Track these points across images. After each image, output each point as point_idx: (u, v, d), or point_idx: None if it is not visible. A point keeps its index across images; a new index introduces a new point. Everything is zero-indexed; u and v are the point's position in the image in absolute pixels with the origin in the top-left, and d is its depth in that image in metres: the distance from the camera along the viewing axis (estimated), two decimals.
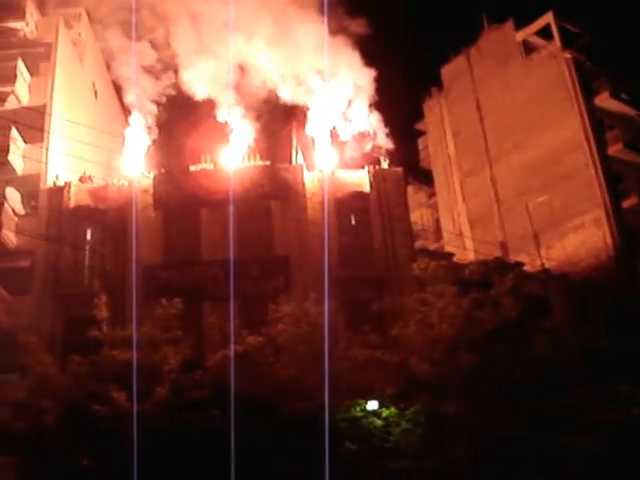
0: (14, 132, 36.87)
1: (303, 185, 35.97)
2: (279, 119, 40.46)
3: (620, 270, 42.71)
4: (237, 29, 38.33)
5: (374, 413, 27.61)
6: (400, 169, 37.39)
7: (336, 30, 38.94)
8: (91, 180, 37.36)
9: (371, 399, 27.70)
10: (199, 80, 39.52)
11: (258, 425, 25.39)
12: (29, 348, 28.10)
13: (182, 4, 40.61)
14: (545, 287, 30.75)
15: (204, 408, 25.99)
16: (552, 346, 27.48)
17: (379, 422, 27.39)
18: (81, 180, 37.25)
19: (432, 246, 51.81)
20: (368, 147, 39.14)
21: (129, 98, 40.90)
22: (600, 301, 33.40)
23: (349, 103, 39.82)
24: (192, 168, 37.26)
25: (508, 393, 26.29)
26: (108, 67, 45.32)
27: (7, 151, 36.34)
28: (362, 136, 39.78)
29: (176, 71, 40.04)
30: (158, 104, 40.19)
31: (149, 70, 39.90)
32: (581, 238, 45.96)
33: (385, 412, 27.58)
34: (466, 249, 46.83)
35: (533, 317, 28.13)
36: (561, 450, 25.80)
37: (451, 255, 38.67)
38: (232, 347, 27.15)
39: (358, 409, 27.59)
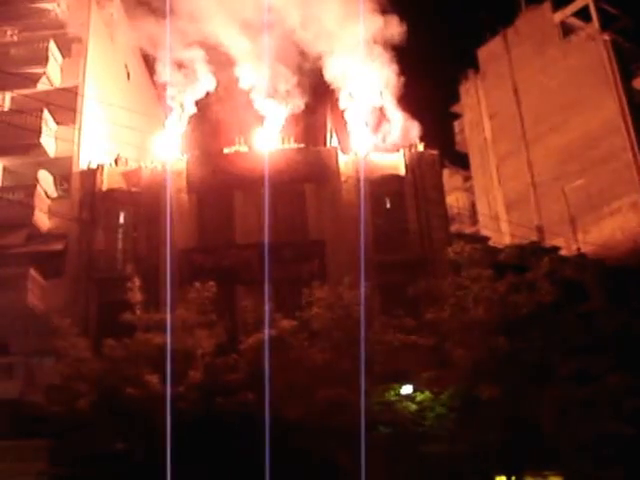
0: (46, 114, 36.79)
1: (338, 168, 35.67)
2: (314, 101, 40.20)
3: None
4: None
5: (408, 397, 27.48)
6: (436, 152, 36.95)
7: (371, 11, 38.59)
8: (126, 162, 37.24)
9: (405, 383, 27.52)
10: (233, 61, 39.40)
11: (292, 409, 25.31)
12: (63, 332, 28.14)
13: None
14: (581, 271, 30.39)
15: (238, 392, 25.96)
16: (588, 331, 27.13)
17: (413, 406, 27.29)
18: (116, 162, 37.16)
19: (468, 230, 51.57)
20: (403, 130, 38.76)
21: (162, 79, 40.75)
22: (637, 286, 32.93)
23: (384, 84, 39.46)
24: (226, 150, 37.08)
25: (543, 377, 26.07)
26: (141, 47, 45.14)
27: (39, 133, 36.27)
28: (396, 119, 39.49)
29: (209, 52, 39.83)
30: (192, 86, 39.97)
31: (184, 50, 39.68)
32: (618, 222, 45.53)
33: (419, 396, 27.47)
34: (502, 233, 46.47)
35: (569, 302, 27.82)
36: (595, 435, 25.50)
37: (487, 239, 38.31)
38: (267, 331, 27.04)
39: (392, 393, 27.48)
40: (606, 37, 49.31)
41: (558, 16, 53.01)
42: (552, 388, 25.90)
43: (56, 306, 32.33)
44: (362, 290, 27.81)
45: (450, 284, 28.90)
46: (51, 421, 26.67)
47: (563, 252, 35.29)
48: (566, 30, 52.58)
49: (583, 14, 51.71)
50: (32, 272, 33.64)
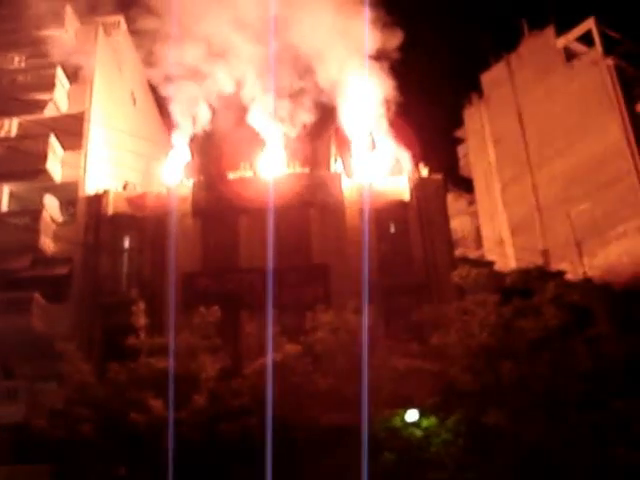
0: (53, 139, 36.98)
1: (342, 193, 35.71)
2: (318, 127, 40.27)
3: None
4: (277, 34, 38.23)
5: (414, 423, 27.26)
6: (440, 177, 37.00)
7: (374, 35, 38.68)
8: (134, 188, 37.38)
9: (411, 409, 27.36)
10: (239, 86, 39.51)
11: (297, 434, 25.23)
12: (67, 356, 28.19)
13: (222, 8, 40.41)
14: (587, 296, 30.30)
15: (242, 417, 25.88)
16: (595, 356, 27.01)
17: (419, 432, 27.00)
18: (124, 188, 37.31)
19: (472, 254, 51.41)
20: (407, 155, 38.78)
21: (168, 104, 40.92)
22: None
23: (388, 109, 39.56)
24: (231, 176, 37.19)
25: (550, 403, 25.92)
26: (147, 73, 45.26)
27: (45, 158, 36.44)
28: (400, 144, 39.52)
29: (216, 78, 39.91)
30: (198, 111, 40.10)
31: (188, 76, 39.80)
32: (624, 246, 45.40)
33: (425, 422, 27.19)
34: (507, 257, 46.43)
35: (575, 326, 27.70)
36: (605, 461, 25.32)
37: (492, 263, 38.22)
38: (269, 355, 27.00)
39: (398, 419, 27.22)
40: (609, 62, 49.42)
41: (561, 41, 53.21)
42: (560, 413, 25.77)
43: (60, 330, 32.31)
44: (365, 314, 27.76)
45: (455, 309, 28.86)
46: (54, 446, 26.57)
47: (569, 276, 35.21)
48: (569, 55, 52.77)
49: (586, 39, 51.88)
50: (37, 296, 33.63)
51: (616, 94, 48.64)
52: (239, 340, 30.76)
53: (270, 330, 28.14)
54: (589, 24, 51.41)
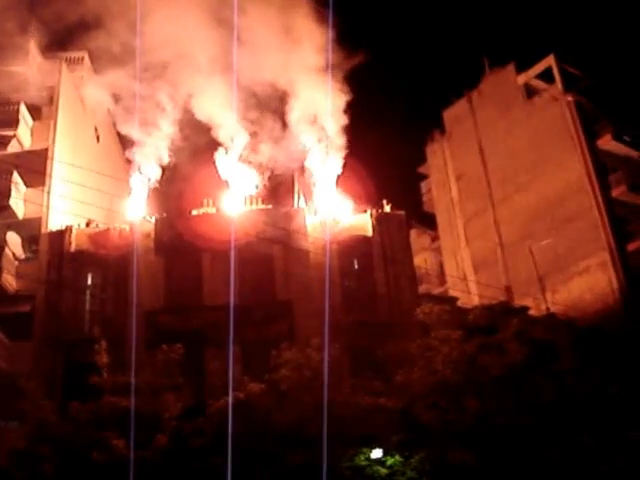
0: (16, 176, 36.86)
1: (305, 229, 35.78)
2: (281, 163, 40.31)
3: (627, 314, 42.31)
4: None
5: (378, 461, 27.09)
6: (403, 213, 37.26)
7: (337, 72, 38.96)
8: (97, 226, 37.21)
9: (375, 447, 27.21)
10: (202, 122, 39.61)
11: (260, 474, 25.04)
12: (28, 394, 27.85)
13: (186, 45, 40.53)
14: (551, 332, 30.39)
15: (205, 456, 25.64)
16: (559, 391, 27.08)
17: (384, 471, 26.81)
18: (87, 225, 37.09)
19: (436, 290, 51.58)
20: (370, 191, 38.99)
21: (131, 140, 40.88)
22: (607, 346, 33.03)
23: (351, 145, 39.78)
24: (194, 212, 37.21)
25: (515, 439, 25.89)
26: (110, 110, 45.13)
27: (8, 195, 36.33)
28: (363, 180, 39.71)
29: (178, 113, 39.96)
30: (161, 148, 40.03)
31: (152, 113, 39.79)
32: (587, 282, 45.62)
33: (390, 460, 27.02)
34: (470, 293, 46.47)
35: (539, 362, 27.79)
36: None
37: (455, 299, 38.39)
38: (231, 394, 26.83)
39: (362, 457, 27.03)
40: (569, 98, 49.92)
41: (522, 78, 53.72)
42: (524, 450, 25.76)
43: (22, 368, 32.08)
44: (326, 352, 27.67)
45: (419, 345, 28.84)
46: None
47: (532, 312, 35.30)
48: (530, 92, 53.26)
49: (546, 76, 52.38)
50: None
51: (576, 130, 49.13)
52: (203, 378, 30.51)
53: (233, 368, 28.01)
54: (549, 61, 51.96)
